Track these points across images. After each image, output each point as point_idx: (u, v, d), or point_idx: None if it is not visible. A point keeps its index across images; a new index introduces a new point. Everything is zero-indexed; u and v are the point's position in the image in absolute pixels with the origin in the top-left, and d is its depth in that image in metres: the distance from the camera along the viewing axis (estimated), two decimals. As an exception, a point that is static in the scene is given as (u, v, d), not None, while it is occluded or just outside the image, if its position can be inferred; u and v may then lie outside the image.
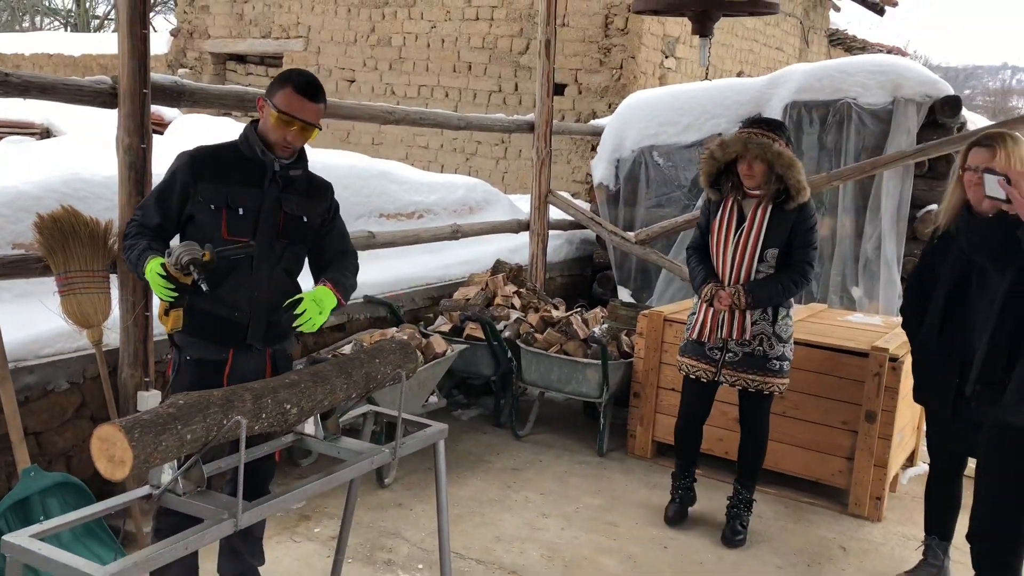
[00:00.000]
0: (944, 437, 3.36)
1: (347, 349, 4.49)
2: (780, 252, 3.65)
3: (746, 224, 3.66)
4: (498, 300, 5.30)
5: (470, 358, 4.99)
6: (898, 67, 6.00)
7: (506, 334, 5.06)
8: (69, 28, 23.79)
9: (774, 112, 6.09)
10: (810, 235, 3.67)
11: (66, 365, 3.50)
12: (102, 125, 6.26)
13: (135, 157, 3.48)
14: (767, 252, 3.66)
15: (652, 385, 4.73)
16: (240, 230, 2.74)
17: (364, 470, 2.69)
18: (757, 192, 3.64)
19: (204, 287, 2.55)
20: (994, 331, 2.97)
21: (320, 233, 2.95)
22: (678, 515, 4.02)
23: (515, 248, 6.53)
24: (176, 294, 2.58)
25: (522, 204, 7.48)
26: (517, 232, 6.34)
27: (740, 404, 3.90)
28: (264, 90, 2.80)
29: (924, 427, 3.71)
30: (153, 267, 2.57)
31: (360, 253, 5.06)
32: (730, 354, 3.76)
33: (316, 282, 2.87)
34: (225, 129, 6.99)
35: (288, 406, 2.43)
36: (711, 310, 3.72)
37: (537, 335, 5.00)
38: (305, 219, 2.86)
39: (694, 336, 3.82)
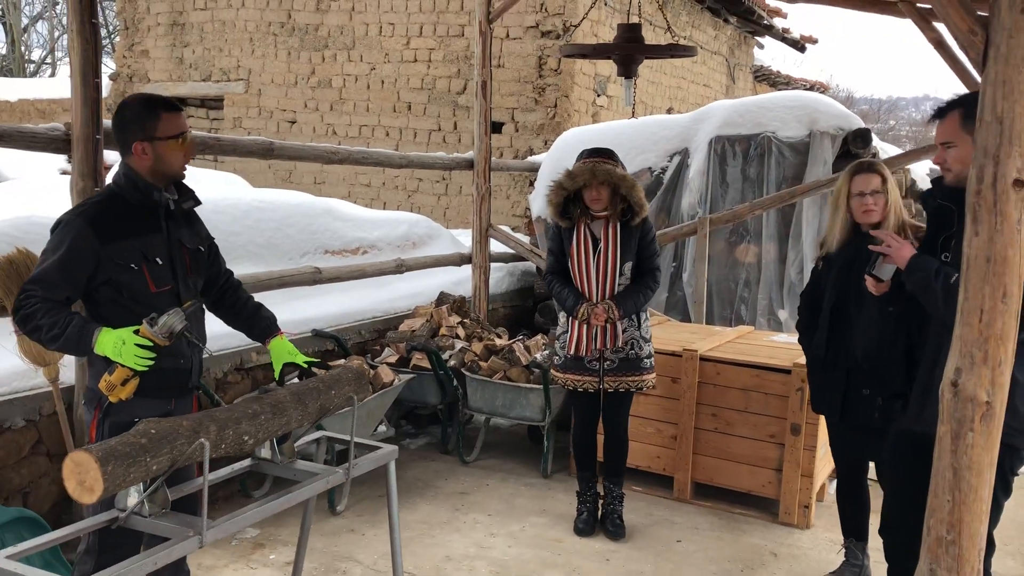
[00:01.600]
0: (841, 443, 3.70)
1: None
2: (632, 264, 4.10)
3: (602, 244, 4.05)
4: (443, 331, 5.48)
5: (417, 387, 5.15)
6: (813, 102, 6.40)
7: (451, 363, 5.24)
8: (4, 73, 23.50)
9: (700, 146, 6.44)
10: (653, 245, 4.17)
11: (22, 403, 3.59)
12: (48, 169, 6.35)
13: (92, 180, 3.61)
14: (624, 266, 4.08)
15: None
16: (163, 280, 2.72)
17: (320, 489, 2.85)
18: (604, 213, 4.04)
19: (206, 353, 2.74)
20: (880, 340, 3.36)
21: (210, 260, 2.98)
22: (588, 525, 4.29)
23: (458, 281, 6.73)
24: (153, 363, 2.57)
25: (464, 238, 7.71)
26: (460, 265, 6.54)
27: (604, 406, 4.25)
28: (121, 145, 2.71)
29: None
30: (128, 337, 2.52)
31: (306, 288, 5.28)
32: (607, 362, 4.14)
33: (262, 336, 3.04)
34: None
35: (246, 438, 2.59)
36: (583, 326, 4.09)
37: (482, 363, 5.19)
38: (201, 248, 2.90)
39: (571, 352, 4.16)
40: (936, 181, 2.97)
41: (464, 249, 6.88)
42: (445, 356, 5.27)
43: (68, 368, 3.64)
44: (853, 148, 6.13)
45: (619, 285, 4.09)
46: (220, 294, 3.06)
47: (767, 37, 13.66)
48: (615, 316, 4.03)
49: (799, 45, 14.35)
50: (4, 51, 25.19)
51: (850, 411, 3.51)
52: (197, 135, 4.30)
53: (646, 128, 6.88)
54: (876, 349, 3.40)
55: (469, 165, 6.47)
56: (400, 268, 5.82)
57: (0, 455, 3.52)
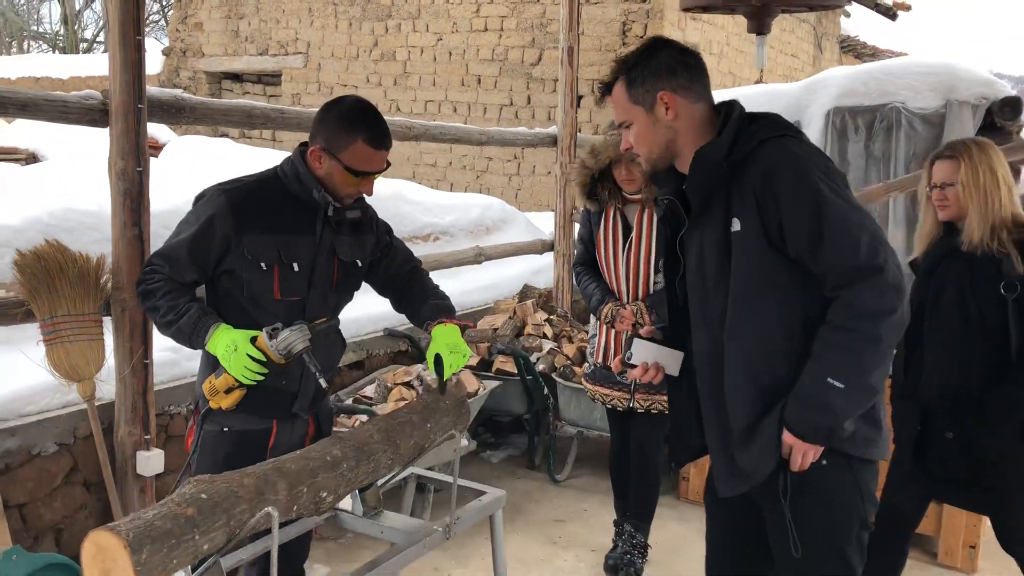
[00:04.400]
0: (905, 481, 2.85)
1: (369, 390, 4.02)
2: None
3: (634, 234, 3.37)
4: (528, 329, 4.84)
5: (500, 395, 4.52)
6: (950, 68, 5.56)
7: (540, 367, 4.60)
8: (57, 51, 23.37)
9: (814, 118, 5.67)
10: None
11: (53, 424, 3.03)
12: (94, 148, 5.84)
13: (130, 183, 3.03)
14: (662, 261, 3.18)
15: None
16: (293, 289, 2.34)
17: (415, 556, 2.23)
18: (639, 196, 3.36)
19: (323, 383, 2.24)
20: (960, 371, 2.66)
21: (381, 265, 2.58)
22: (620, 563, 3.53)
23: (537, 270, 6.07)
24: (263, 378, 2.20)
25: (539, 222, 7.05)
26: (541, 253, 5.88)
27: (632, 427, 3.55)
28: (312, 133, 2.35)
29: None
30: (241, 344, 2.17)
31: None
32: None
33: (422, 322, 2.52)
34: (226, 152, 6.54)
35: (324, 494, 1.99)
36: (610, 331, 3.46)
37: (576, 368, 4.54)
38: (359, 263, 2.48)
39: (599, 361, 3.55)
40: (651, 177, 2.23)
41: (543, 235, 6.23)
42: (532, 359, 4.62)
43: (107, 383, 3.08)
44: (999, 120, 5.30)
45: (655, 284, 3.37)
46: (401, 291, 2.61)
47: (855, 3, 12.69)
48: (646, 322, 3.29)
49: (891, 12, 13.33)
50: (58, 28, 25.09)
51: (925, 456, 2.75)
52: (255, 105, 3.70)
53: (751, 99, 6.10)
54: (954, 382, 2.67)
55: (552, 141, 5.79)
56: (479, 258, 5.18)
57: (29, 487, 2.97)
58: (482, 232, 6.38)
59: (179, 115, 3.35)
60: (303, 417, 2.45)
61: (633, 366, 2.19)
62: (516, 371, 4.52)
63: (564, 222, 5.84)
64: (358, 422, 3.63)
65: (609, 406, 3.54)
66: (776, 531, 2.03)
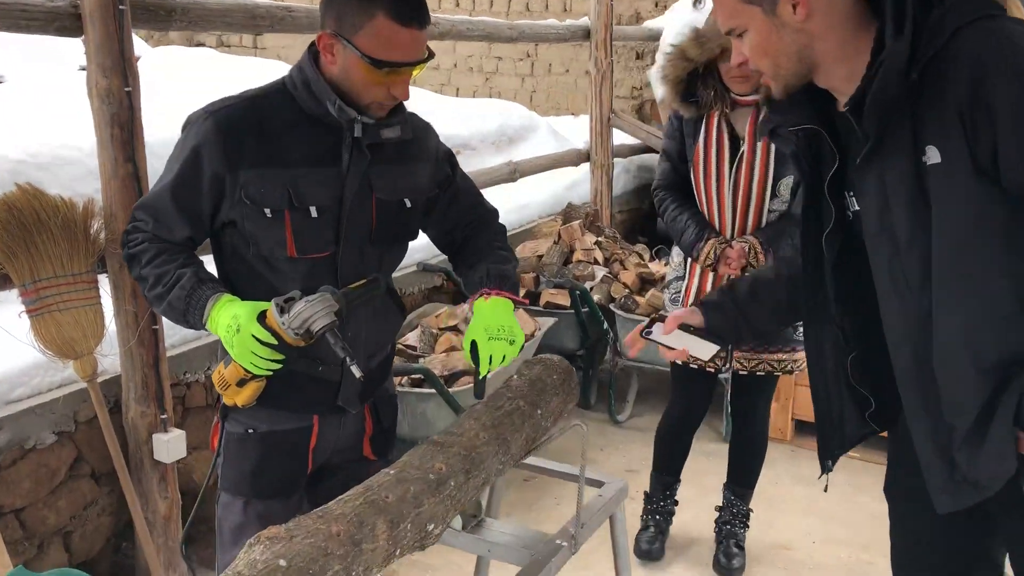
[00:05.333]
0: None
1: (411, 337, 3.48)
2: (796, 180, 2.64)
3: (746, 148, 2.63)
4: (577, 255, 4.28)
5: (552, 331, 3.99)
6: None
7: (596, 297, 4.06)
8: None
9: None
10: None
11: (48, 410, 2.48)
12: (67, 63, 5.11)
13: (117, 106, 2.41)
14: (780, 183, 2.64)
15: (789, 352, 3.76)
16: (314, 242, 1.73)
17: (541, 584, 1.71)
18: (752, 98, 2.60)
19: (358, 373, 1.63)
20: None
21: (439, 207, 1.96)
22: (656, 545, 3.08)
23: (570, 184, 5.47)
24: (280, 366, 1.66)
25: (562, 128, 6.40)
26: (577, 165, 5.27)
27: (734, 389, 3.03)
28: (320, 17, 1.70)
29: None
30: (245, 322, 1.62)
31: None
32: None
33: (471, 291, 1.90)
34: (214, 63, 5.80)
35: (432, 527, 1.46)
36: (708, 274, 2.74)
37: (637, 297, 4.00)
38: (408, 202, 1.84)
39: None
40: (770, 103, 1.62)
41: (574, 144, 5.60)
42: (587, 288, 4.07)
43: (110, 354, 2.52)
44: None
45: (769, 213, 2.68)
46: (459, 247, 2.01)
47: None
48: (760, 262, 2.65)
49: None
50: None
51: None
52: (259, 3, 3.03)
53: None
54: None
55: (584, 35, 5.10)
56: (514, 175, 4.57)
57: (26, 487, 2.43)
58: (505, 143, 5.74)
59: (168, 19, 2.68)
60: (353, 411, 1.91)
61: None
62: (568, 304, 3.98)
63: (602, 128, 5.21)
64: (406, 380, 3.10)
65: (695, 366, 2.75)
66: (1022, 554, 1.52)
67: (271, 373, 1.66)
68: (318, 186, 1.71)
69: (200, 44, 9.17)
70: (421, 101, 5.61)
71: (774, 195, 2.66)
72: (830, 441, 1.69)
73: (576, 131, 6.05)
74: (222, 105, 1.72)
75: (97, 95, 2.40)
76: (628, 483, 2.05)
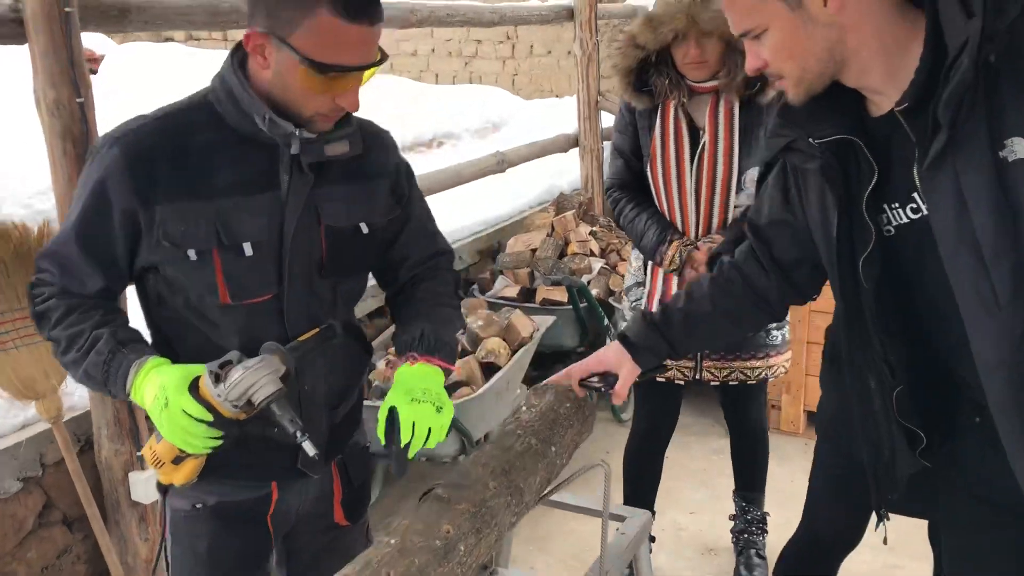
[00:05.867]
0: None
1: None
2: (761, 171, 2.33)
3: (707, 137, 2.40)
4: (573, 247, 4.08)
5: (549, 330, 3.80)
6: None
7: (594, 292, 3.87)
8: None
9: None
10: None
11: (10, 455, 2.27)
12: (11, 70, 4.82)
13: (68, 119, 2.19)
14: (745, 175, 2.42)
15: (799, 340, 3.59)
16: (252, 285, 1.46)
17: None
18: (712, 84, 2.37)
19: (311, 451, 1.39)
20: None
21: (387, 234, 1.66)
22: (739, 544, 2.90)
23: (558, 171, 5.27)
24: (219, 442, 1.39)
25: (547, 112, 6.19)
26: (566, 151, 5.07)
27: (723, 401, 2.85)
28: (248, 12, 1.40)
29: None
30: (174, 395, 1.34)
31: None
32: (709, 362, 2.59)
33: (400, 352, 1.60)
34: (182, 60, 5.54)
35: (447, 603, 1.26)
36: (674, 279, 2.51)
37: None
38: (364, 228, 1.57)
39: None
40: (783, 111, 1.44)
41: (561, 128, 5.38)
42: (584, 283, 3.88)
43: (77, 391, 2.31)
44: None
45: (735, 208, 2.45)
46: (401, 287, 1.73)
47: None
48: None
49: None
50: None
51: None
52: (233, 3, 2.79)
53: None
54: None
55: (568, 15, 4.88)
56: (502, 165, 4.36)
57: (-10, 540, 2.23)
58: (489, 131, 5.56)
59: (123, 20, 2.44)
60: (317, 476, 1.65)
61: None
62: (566, 300, 3.80)
63: (590, 112, 5.00)
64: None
65: (661, 379, 2.58)
66: None
67: (210, 451, 1.40)
68: (251, 218, 1.43)
69: (169, 39, 8.90)
70: (403, 90, 5.43)
71: (739, 188, 2.43)
72: (882, 485, 1.51)
73: (562, 113, 5.84)
74: (130, 127, 1.42)
75: (46, 108, 2.17)
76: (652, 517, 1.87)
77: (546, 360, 4.47)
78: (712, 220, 2.47)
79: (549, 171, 5.21)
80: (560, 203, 4.46)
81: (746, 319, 1.65)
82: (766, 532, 2.90)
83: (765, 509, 2.91)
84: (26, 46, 2.17)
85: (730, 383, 2.61)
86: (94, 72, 7.74)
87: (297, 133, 1.41)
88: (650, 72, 2.40)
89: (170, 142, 1.40)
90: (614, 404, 2.98)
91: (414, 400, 1.48)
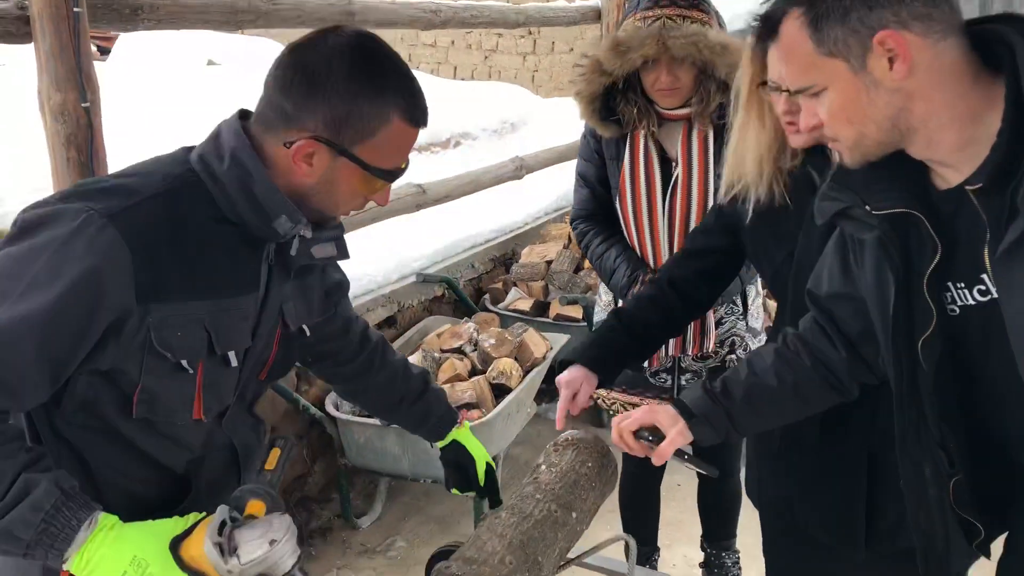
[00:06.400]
0: None
1: (417, 357, 3.17)
2: None
3: (680, 170, 2.24)
4: (588, 262, 3.95)
5: (562, 347, 3.70)
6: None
7: (609, 310, 3.77)
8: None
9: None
10: None
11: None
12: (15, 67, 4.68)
13: (73, 125, 2.09)
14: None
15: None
16: (220, 398, 1.33)
17: None
18: (684, 112, 2.20)
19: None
20: None
21: (325, 333, 1.56)
22: None
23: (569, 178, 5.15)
24: None
25: (567, 113, 6.06)
26: (585, 157, 4.94)
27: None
28: (289, 110, 1.21)
29: None
30: (162, 570, 1.11)
31: (405, 216, 3.73)
32: (688, 375, 2.41)
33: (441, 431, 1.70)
34: (199, 46, 5.41)
35: None
36: None
37: (655, 311, 3.70)
38: (306, 330, 1.46)
39: None
40: (840, 174, 1.32)
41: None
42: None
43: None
44: None
45: None
46: (357, 373, 1.64)
47: None
48: None
49: None
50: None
51: None
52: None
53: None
54: None
55: (596, 16, 4.75)
56: (520, 172, 4.24)
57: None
58: (508, 131, 5.43)
59: (134, 18, 2.33)
60: None
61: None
62: (580, 316, 3.69)
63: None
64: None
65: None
66: None
67: None
68: (239, 323, 1.27)
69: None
70: (427, 83, 5.31)
71: None
72: (932, 570, 1.40)
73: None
74: (122, 205, 1.15)
75: (50, 112, 2.07)
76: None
77: (554, 373, 4.38)
78: None
79: (566, 176, 5.08)
80: (578, 214, 4.34)
81: (814, 397, 1.50)
82: (740, 570, 2.71)
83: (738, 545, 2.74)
84: (31, 45, 2.07)
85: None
86: (106, 52, 7.46)
87: (303, 229, 1.29)
88: (617, 99, 2.22)
89: (169, 231, 1.18)
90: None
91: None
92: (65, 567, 1.11)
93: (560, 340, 3.47)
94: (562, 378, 1.86)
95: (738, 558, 2.74)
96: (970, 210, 1.18)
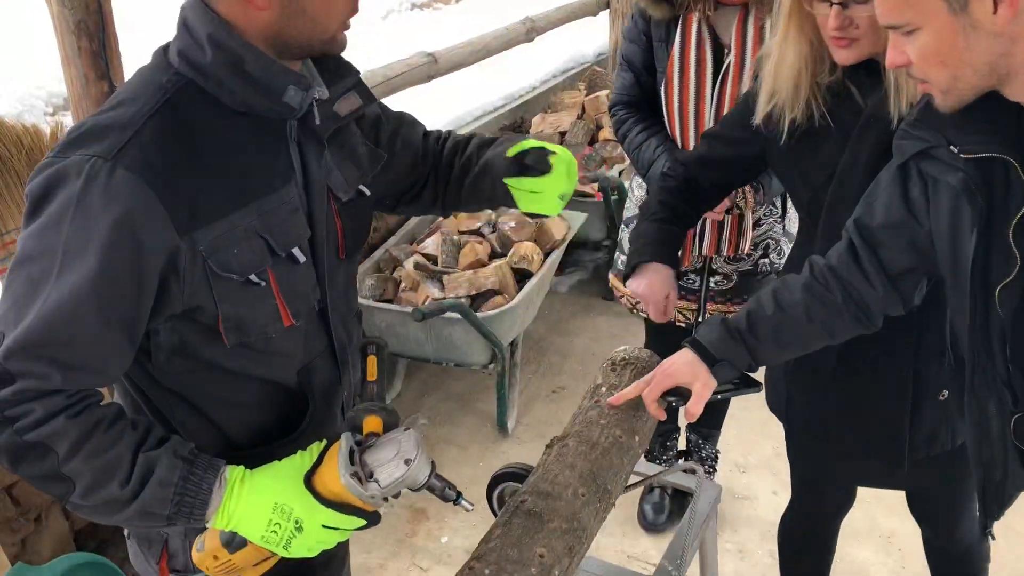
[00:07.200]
0: None
1: (429, 245, 3.12)
2: None
3: (733, 58, 2.11)
4: (604, 133, 3.85)
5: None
6: None
7: (626, 183, 3.68)
8: None
9: None
10: None
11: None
12: None
13: (83, 11, 1.93)
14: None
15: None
16: (305, 296, 1.23)
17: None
18: None
19: (470, 507, 1.22)
20: None
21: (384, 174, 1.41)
22: (661, 512, 2.71)
23: (585, 37, 4.93)
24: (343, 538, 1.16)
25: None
26: (596, 14, 4.71)
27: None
28: None
29: None
30: (309, 512, 1.10)
31: (417, 88, 3.56)
32: (717, 278, 2.36)
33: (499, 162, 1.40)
34: None
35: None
36: None
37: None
38: (364, 191, 1.34)
39: None
40: (925, 112, 1.26)
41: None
42: (615, 172, 3.68)
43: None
44: None
45: None
46: (442, 167, 1.50)
47: None
48: (749, 203, 2.17)
49: None
50: None
51: None
52: None
53: None
54: None
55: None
56: (531, 35, 4.03)
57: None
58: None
59: None
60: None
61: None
62: (599, 195, 3.61)
63: (623, -29, 4.62)
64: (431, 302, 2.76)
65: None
66: None
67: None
68: (291, 215, 1.17)
69: None
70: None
71: None
72: (991, 503, 1.43)
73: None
74: (121, 140, 1.04)
75: (60, 28, 1.90)
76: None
77: (569, 248, 4.34)
78: None
79: (572, 36, 4.87)
80: (591, 80, 4.17)
81: (840, 330, 1.47)
82: (715, 471, 2.77)
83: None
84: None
85: None
86: None
87: (317, 95, 1.17)
88: None
89: (181, 147, 1.07)
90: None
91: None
92: (209, 526, 1.11)
93: (579, 219, 3.42)
94: (640, 285, 1.82)
95: (717, 453, 2.78)
96: None
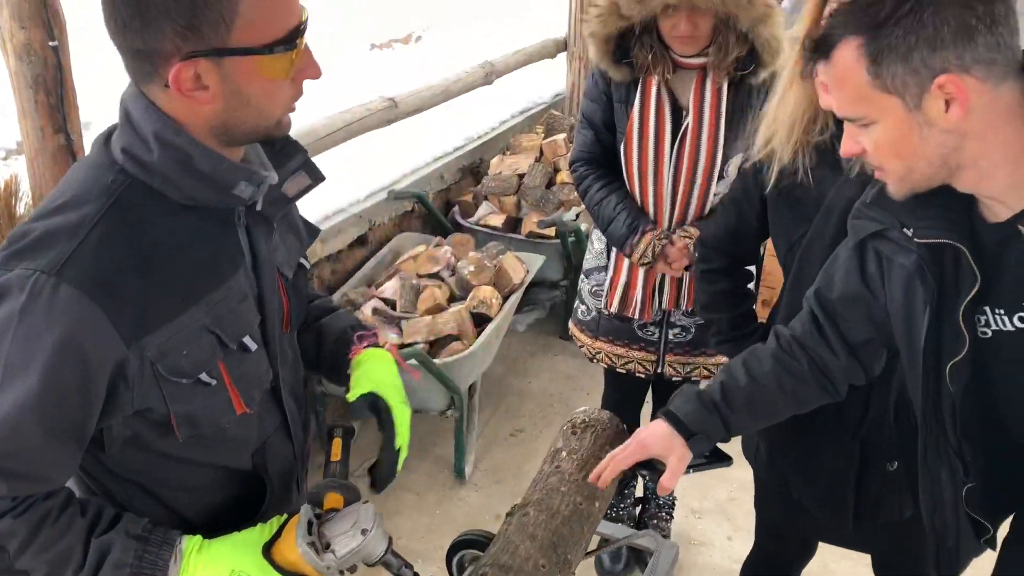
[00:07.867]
0: None
1: (388, 289, 3.11)
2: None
3: (691, 119, 2.17)
4: (562, 176, 3.88)
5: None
6: None
7: (584, 226, 3.72)
8: None
9: None
10: None
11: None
12: None
13: (41, 66, 1.92)
14: (729, 163, 2.21)
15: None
16: (257, 380, 1.21)
17: None
18: (700, 61, 2.14)
19: None
20: None
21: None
22: (617, 561, 2.71)
23: (542, 78, 4.98)
24: None
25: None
26: (554, 56, 4.78)
27: (658, 402, 2.60)
28: (136, 47, 1.01)
29: None
30: (249, 567, 1.12)
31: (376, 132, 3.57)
32: (676, 330, 2.41)
33: (339, 343, 1.42)
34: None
35: None
36: (639, 269, 2.32)
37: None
38: (306, 262, 1.37)
39: (613, 308, 2.39)
40: (880, 194, 1.30)
41: (551, 34, 5.03)
42: (572, 216, 3.71)
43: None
44: None
45: (713, 197, 2.24)
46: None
47: None
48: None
49: None
50: None
51: None
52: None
53: None
54: None
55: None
56: (490, 78, 4.08)
57: None
58: (469, 20, 5.19)
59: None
60: None
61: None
62: (556, 236, 3.65)
63: (579, 9, 4.68)
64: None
65: (622, 371, 2.46)
66: None
67: None
68: (240, 303, 1.15)
69: None
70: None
71: (721, 176, 2.21)
72: (945, 570, 1.48)
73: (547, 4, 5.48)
74: (66, 252, 1.00)
75: (14, 52, 1.90)
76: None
77: (528, 286, 4.37)
78: (688, 209, 2.26)
79: (530, 77, 4.92)
80: (549, 124, 4.22)
81: (808, 399, 1.51)
82: (672, 518, 2.79)
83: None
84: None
85: (692, 379, 2.45)
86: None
87: (264, 180, 1.13)
88: (632, 42, 2.14)
89: (129, 251, 1.04)
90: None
91: (402, 401, 1.36)
92: None
93: (536, 262, 3.45)
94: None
95: (674, 500, 2.82)
96: (1019, 244, 1.18)
